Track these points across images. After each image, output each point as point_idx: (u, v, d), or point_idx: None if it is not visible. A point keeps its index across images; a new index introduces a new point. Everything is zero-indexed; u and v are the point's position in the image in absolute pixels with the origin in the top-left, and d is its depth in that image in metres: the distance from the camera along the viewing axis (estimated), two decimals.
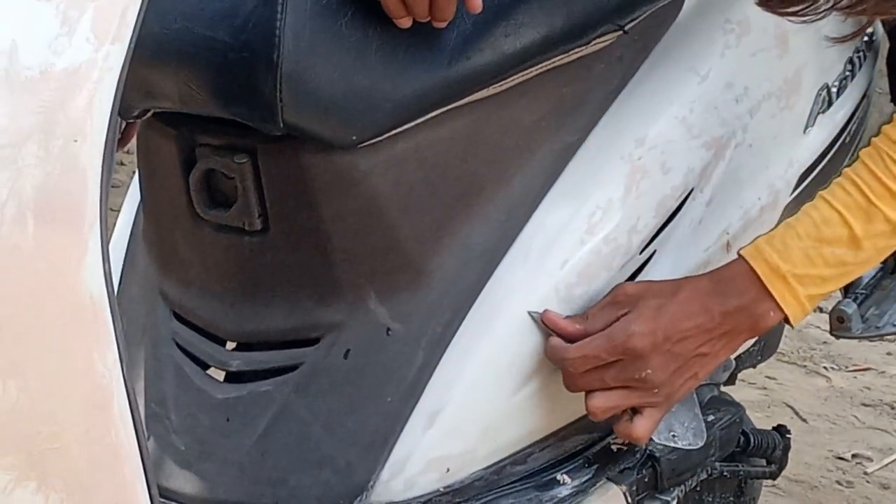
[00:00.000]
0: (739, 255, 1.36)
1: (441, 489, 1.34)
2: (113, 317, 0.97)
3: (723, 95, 1.49)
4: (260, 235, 1.31)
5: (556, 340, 1.36)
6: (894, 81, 1.88)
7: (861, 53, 1.74)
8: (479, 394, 1.35)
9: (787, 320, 1.35)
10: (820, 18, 1.30)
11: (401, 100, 1.27)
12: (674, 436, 1.43)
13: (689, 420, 1.44)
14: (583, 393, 1.37)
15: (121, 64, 0.95)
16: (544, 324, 1.36)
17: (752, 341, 1.61)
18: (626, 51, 1.44)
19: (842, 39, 1.43)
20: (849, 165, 1.38)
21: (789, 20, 1.33)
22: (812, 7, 1.29)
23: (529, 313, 1.36)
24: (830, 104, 1.67)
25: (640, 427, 1.37)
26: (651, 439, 1.40)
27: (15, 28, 0.91)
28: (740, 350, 1.57)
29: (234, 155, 1.29)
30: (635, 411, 1.37)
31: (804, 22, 1.31)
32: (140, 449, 1.01)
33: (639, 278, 1.43)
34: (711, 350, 1.36)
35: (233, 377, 1.37)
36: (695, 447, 1.45)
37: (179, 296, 1.40)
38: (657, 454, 1.47)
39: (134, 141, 1.47)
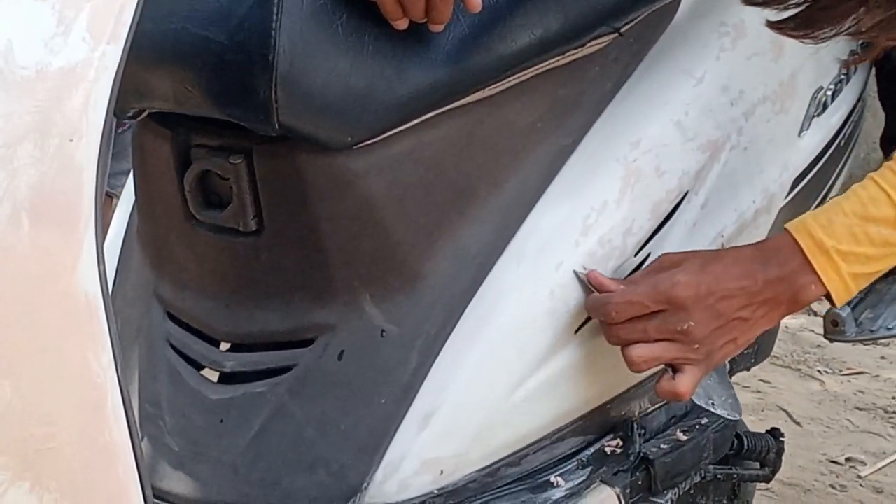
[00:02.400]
0: (785, 228, 1.36)
1: (435, 491, 1.34)
2: (108, 317, 0.97)
3: (718, 98, 1.50)
4: (254, 236, 1.31)
5: (596, 294, 1.37)
6: (883, 87, 1.89)
7: (854, 56, 1.74)
8: (473, 396, 1.35)
9: (829, 298, 1.35)
10: (829, 39, 1.31)
11: (396, 101, 1.26)
12: (712, 403, 1.43)
13: (726, 395, 1.45)
14: (577, 393, 1.37)
15: (117, 63, 0.94)
16: (589, 282, 1.37)
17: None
18: (621, 53, 1.44)
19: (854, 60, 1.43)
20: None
21: (802, 42, 1.33)
22: (821, 32, 1.29)
23: (575, 272, 1.37)
24: (825, 108, 1.68)
25: (684, 384, 1.37)
26: (691, 399, 1.41)
27: (11, 27, 0.90)
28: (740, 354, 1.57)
29: (230, 156, 1.29)
30: (675, 370, 1.37)
31: (814, 43, 1.32)
32: (134, 449, 1.01)
33: None
34: (752, 316, 1.36)
35: (227, 378, 1.37)
36: (732, 418, 1.47)
37: (174, 296, 1.40)
38: (651, 457, 1.47)
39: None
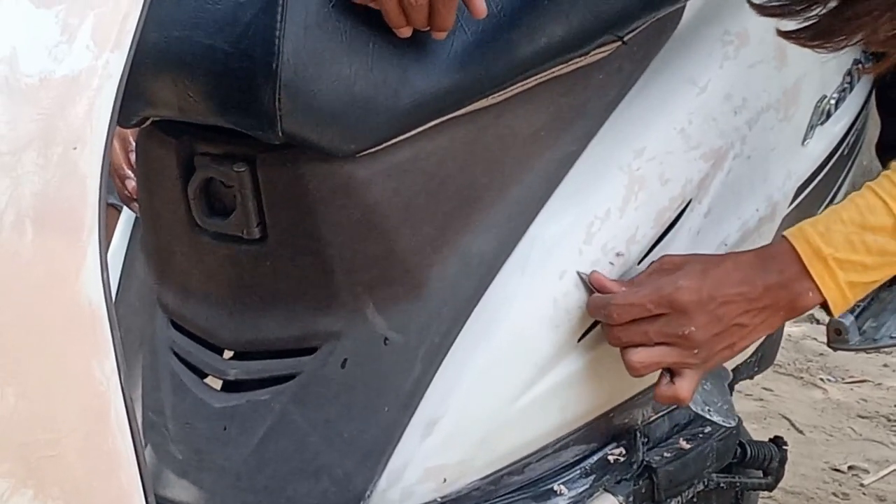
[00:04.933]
0: (783, 236, 1.37)
1: (438, 499, 1.34)
2: (111, 325, 0.97)
3: (721, 107, 1.50)
4: (258, 244, 1.31)
5: (599, 295, 1.37)
6: (879, 93, 1.89)
7: (860, 66, 1.74)
8: (476, 403, 1.35)
9: (826, 308, 1.36)
10: (844, 48, 1.31)
11: (400, 109, 1.26)
12: (708, 409, 1.44)
13: (721, 402, 1.46)
14: (581, 401, 1.37)
15: (120, 71, 0.95)
16: (591, 284, 1.37)
17: (751, 350, 1.61)
18: (625, 62, 1.44)
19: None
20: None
21: (817, 52, 1.33)
22: (838, 42, 1.29)
23: (578, 273, 1.38)
24: (829, 116, 1.67)
25: (684, 388, 1.37)
26: (689, 406, 1.41)
27: (15, 35, 0.91)
28: (742, 359, 1.57)
29: (233, 164, 1.29)
30: (672, 374, 1.37)
31: (827, 53, 1.32)
32: (137, 457, 1.01)
33: None
34: (751, 322, 1.36)
35: (230, 386, 1.37)
36: (728, 425, 1.47)
37: (177, 304, 1.40)
38: (654, 465, 1.47)
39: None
